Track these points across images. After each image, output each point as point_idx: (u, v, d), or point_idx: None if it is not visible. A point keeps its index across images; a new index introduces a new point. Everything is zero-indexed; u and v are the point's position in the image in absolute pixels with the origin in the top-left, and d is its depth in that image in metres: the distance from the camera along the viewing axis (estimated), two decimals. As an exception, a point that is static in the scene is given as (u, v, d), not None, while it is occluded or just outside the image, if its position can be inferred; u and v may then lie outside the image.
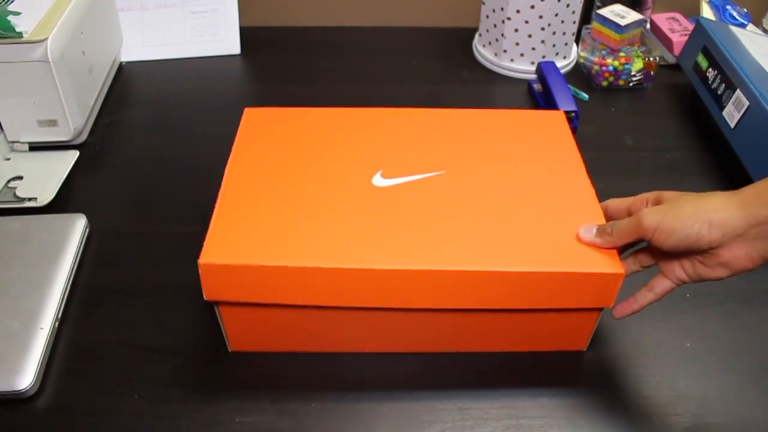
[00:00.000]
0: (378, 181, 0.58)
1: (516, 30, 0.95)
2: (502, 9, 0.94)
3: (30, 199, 0.72)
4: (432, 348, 0.59)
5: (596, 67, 0.95)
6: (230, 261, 0.51)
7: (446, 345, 0.59)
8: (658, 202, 0.52)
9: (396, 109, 0.67)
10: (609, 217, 0.56)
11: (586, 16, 1.06)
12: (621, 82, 0.95)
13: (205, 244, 0.52)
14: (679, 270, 0.53)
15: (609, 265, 0.52)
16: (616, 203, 0.56)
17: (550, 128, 0.66)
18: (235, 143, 0.62)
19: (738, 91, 0.78)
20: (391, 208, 0.55)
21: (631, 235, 0.50)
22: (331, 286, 0.52)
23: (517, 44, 0.96)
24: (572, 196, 0.58)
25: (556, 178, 0.60)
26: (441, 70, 1.00)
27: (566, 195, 0.58)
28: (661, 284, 0.54)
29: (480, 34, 1.02)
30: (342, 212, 0.55)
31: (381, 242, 0.53)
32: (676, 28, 1.01)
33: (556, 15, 0.92)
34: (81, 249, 0.68)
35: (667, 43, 1.00)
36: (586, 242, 0.53)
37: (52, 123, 0.77)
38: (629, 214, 0.54)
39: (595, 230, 0.53)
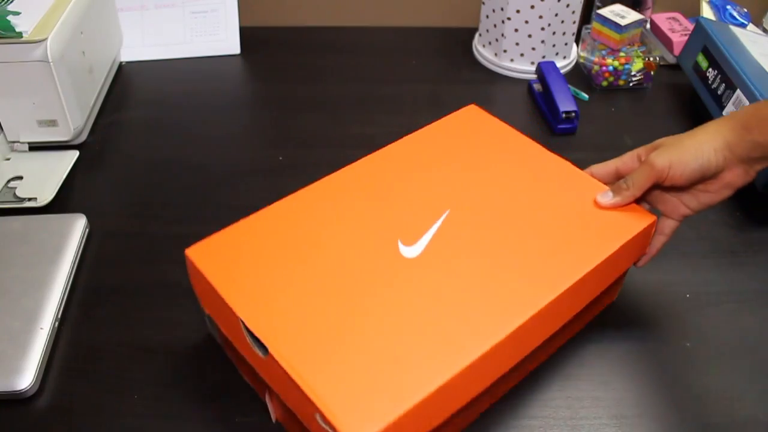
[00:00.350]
0: (406, 251, 0.52)
1: (516, 30, 0.95)
2: (502, 9, 0.94)
3: (30, 199, 0.72)
4: (505, 389, 0.57)
5: (596, 67, 0.95)
6: (385, 422, 0.42)
7: (514, 381, 0.57)
8: (651, 152, 0.55)
9: (344, 169, 0.60)
10: (621, 175, 0.58)
11: (586, 16, 1.06)
12: (621, 82, 0.95)
13: (335, 422, 0.42)
14: (681, 207, 0.57)
15: (641, 218, 0.55)
16: (600, 168, 0.59)
17: (483, 123, 0.66)
18: (217, 288, 0.49)
19: (738, 91, 0.78)
20: (443, 276, 0.50)
21: (648, 180, 0.54)
22: (469, 381, 0.47)
23: (517, 44, 0.96)
24: (560, 179, 0.59)
25: (535, 168, 0.60)
26: (441, 70, 1.00)
27: (556, 180, 0.59)
28: (669, 225, 0.58)
29: (480, 34, 1.02)
30: (408, 303, 0.48)
31: (471, 315, 0.48)
32: (676, 28, 1.01)
33: (556, 15, 0.92)
34: (81, 249, 0.68)
35: (667, 43, 1.00)
36: (606, 206, 0.56)
37: (52, 123, 0.77)
38: (618, 175, 0.57)
39: (611, 192, 0.56)
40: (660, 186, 0.56)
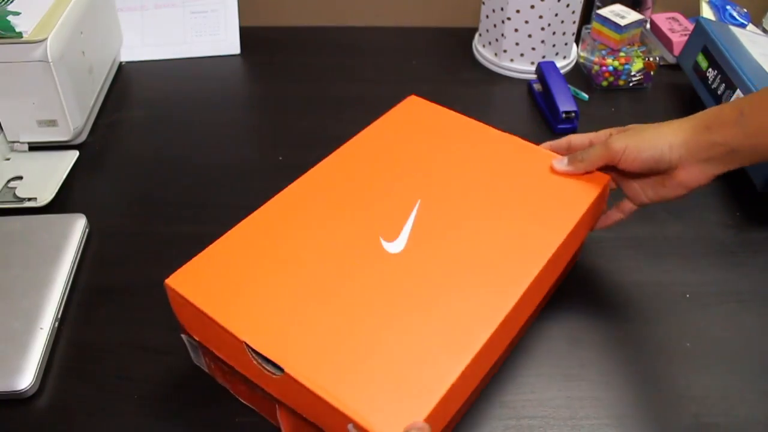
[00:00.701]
0: (389, 247, 0.52)
1: (516, 30, 0.94)
2: (502, 9, 0.94)
3: (30, 199, 0.72)
4: (500, 363, 0.59)
5: (596, 67, 0.95)
6: (421, 418, 0.42)
7: (507, 353, 0.59)
8: (621, 132, 0.58)
9: (305, 176, 0.60)
10: (573, 150, 0.61)
11: (586, 16, 1.06)
12: (621, 82, 0.95)
13: (372, 428, 0.41)
14: (641, 195, 0.59)
15: (596, 181, 0.58)
16: (578, 138, 0.62)
17: (428, 112, 0.68)
18: (211, 314, 0.48)
19: (738, 91, 0.78)
20: (431, 265, 0.51)
21: (600, 159, 0.57)
22: (481, 362, 0.47)
23: (517, 44, 0.96)
24: (514, 154, 0.61)
25: (489, 147, 0.62)
26: (441, 70, 1.00)
27: (510, 155, 0.61)
28: (628, 206, 0.61)
29: (480, 34, 1.02)
30: (406, 297, 0.49)
31: (469, 299, 0.48)
32: (676, 28, 1.01)
33: (556, 15, 0.92)
34: (81, 249, 0.68)
35: (667, 43, 1.00)
36: (559, 172, 0.58)
37: (52, 123, 0.77)
38: (591, 146, 0.59)
39: (566, 160, 0.59)
40: (617, 169, 0.58)
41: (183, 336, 0.55)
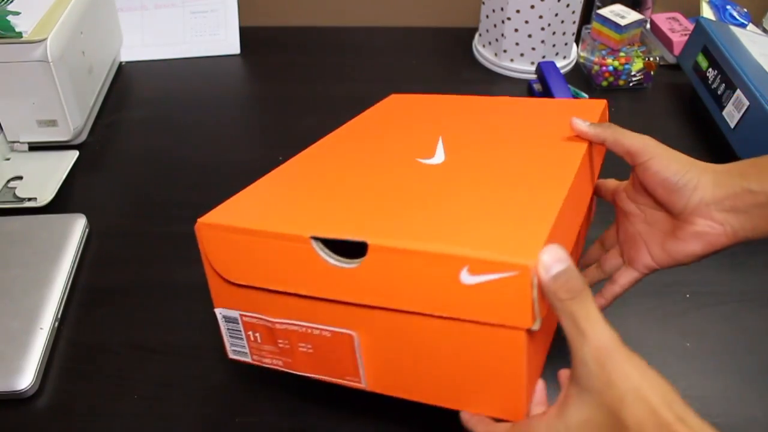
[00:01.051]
0: (430, 161, 0.52)
1: (516, 30, 0.95)
2: (502, 9, 0.94)
3: (30, 199, 0.72)
4: None
5: (596, 67, 0.95)
6: (539, 245, 0.37)
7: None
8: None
9: (347, 124, 0.63)
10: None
11: (586, 16, 1.06)
12: (621, 82, 0.95)
13: (494, 257, 0.37)
14: (646, 256, 0.52)
15: (596, 104, 0.61)
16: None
17: (414, 99, 0.70)
18: (267, 228, 0.43)
19: (738, 91, 0.78)
20: (478, 166, 0.50)
21: (628, 144, 0.50)
22: (575, 210, 0.48)
23: (517, 44, 0.96)
24: (516, 105, 0.65)
25: (487, 103, 0.66)
26: (441, 70, 1.00)
27: (514, 106, 0.65)
28: (627, 276, 0.54)
29: (480, 34, 1.02)
30: (464, 180, 0.48)
31: (531, 174, 0.48)
32: (676, 28, 1.01)
33: (556, 15, 0.92)
34: (81, 249, 0.68)
35: (667, 43, 1.00)
36: (575, 127, 0.53)
37: (52, 123, 0.77)
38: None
39: (588, 123, 0.52)
40: (630, 190, 0.53)
41: (218, 311, 0.48)
